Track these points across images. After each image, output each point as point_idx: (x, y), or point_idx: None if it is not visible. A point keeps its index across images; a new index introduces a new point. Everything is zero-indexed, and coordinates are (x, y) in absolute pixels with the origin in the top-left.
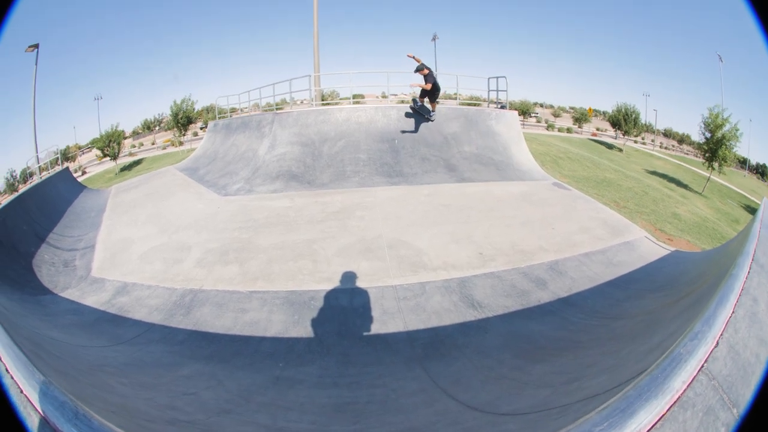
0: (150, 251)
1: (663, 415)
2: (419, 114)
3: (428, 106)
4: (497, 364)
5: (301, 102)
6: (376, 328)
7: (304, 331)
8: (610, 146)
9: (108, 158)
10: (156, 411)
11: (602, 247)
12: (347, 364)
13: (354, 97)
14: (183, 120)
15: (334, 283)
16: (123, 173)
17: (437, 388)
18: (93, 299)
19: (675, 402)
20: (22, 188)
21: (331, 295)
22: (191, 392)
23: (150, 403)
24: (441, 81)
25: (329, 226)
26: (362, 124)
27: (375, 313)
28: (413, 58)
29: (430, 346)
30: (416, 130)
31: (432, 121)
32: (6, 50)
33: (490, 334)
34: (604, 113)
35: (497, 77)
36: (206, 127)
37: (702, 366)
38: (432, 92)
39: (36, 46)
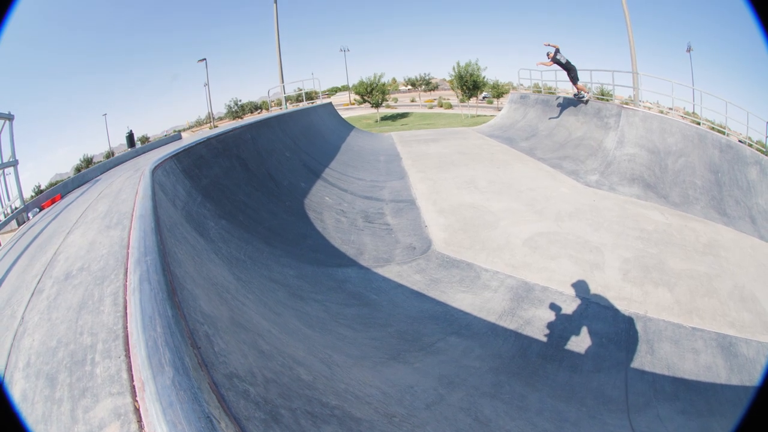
0: (538, 238)
1: None
2: (581, 101)
3: (579, 91)
4: None
5: (628, 98)
6: None
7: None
8: None
9: (368, 104)
10: None
11: None
12: None
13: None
14: (469, 83)
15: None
16: (385, 122)
17: None
18: (467, 300)
19: None
20: (249, 117)
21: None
22: None
23: None
24: None
25: (712, 261)
26: (696, 145)
27: None
28: (548, 45)
29: None
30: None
31: (585, 102)
32: None
33: None
34: None
35: None
36: (487, 96)
37: None
38: (567, 71)
39: None
